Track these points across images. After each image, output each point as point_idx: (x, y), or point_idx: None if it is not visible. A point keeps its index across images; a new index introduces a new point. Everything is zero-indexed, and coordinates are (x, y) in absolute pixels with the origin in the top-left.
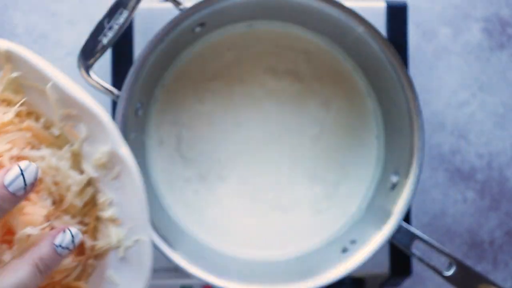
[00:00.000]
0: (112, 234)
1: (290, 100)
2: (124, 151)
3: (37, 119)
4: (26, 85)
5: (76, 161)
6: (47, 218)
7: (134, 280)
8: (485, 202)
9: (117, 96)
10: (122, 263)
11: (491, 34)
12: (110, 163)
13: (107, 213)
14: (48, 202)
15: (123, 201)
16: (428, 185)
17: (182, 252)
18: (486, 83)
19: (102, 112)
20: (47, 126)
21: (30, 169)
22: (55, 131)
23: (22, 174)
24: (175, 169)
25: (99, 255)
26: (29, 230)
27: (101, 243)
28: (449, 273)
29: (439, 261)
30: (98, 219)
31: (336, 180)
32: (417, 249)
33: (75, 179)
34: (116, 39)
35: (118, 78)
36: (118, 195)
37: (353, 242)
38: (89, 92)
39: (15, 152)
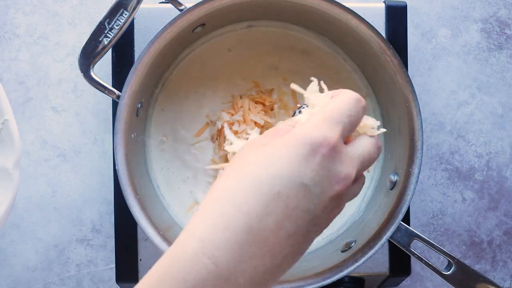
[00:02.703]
0: None
1: (290, 100)
2: None
3: None
4: None
5: None
6: None
7: (10, 153)
8: (483, 202)
9: (118, 96)
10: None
11: (490, 35)
12: None
13: None
14: None
15: None
16: (427, 185)
17: None
18: (484, 84)
19: None
20: None
21: None
22: None
23: None
24: (174, 170)
25: None
26: None
27: None
28: (448, 272)
29: (438, 260)
30: None
31: None
32: (416, 248)
33: None
34: (116, 39)
35: (118, 79)
36: None
37: (352, 241)
38: (89, 92)
39: None
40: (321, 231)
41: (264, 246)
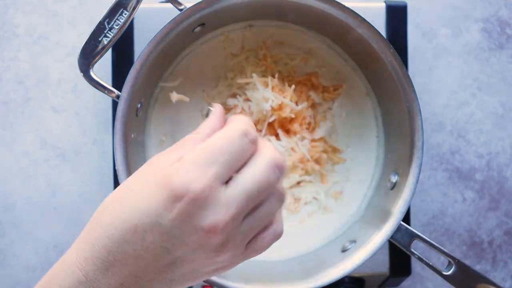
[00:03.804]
0: None
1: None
2: None
3: None
4: None
5: None
6: None
7: None
8: (484, 202)
9: (117, 96)
10: None
11: (490, 35)
12: None
13: None
14: None
15: None
16: (428, 185)
17: None
18: (485, 83)
19: None
20: None
21: None
22: None
23: None
24: None
25: None
26: None
27: None
28: (449, 272)
29: (439, 260)
30: None
31: (336, 179)
32: (416, 248)
33: None
34: (116, 39)
35: (118, 78)
36: None
37: (353, 241)
38: (89, 92)
39: None
40: (201, 275)
41: (124, 268)
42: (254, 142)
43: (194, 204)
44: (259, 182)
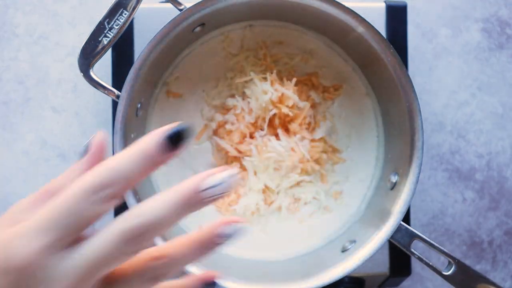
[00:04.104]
0: None
1: None
2: None
3: None
4: None
5: None
6: None
7: None
8: (484, 202)
9: (117, 96)
10: None
11: (490, 35)
12: None
13: None
14: None
15: None
16: (428, 185)
17: None
18: (485, 83)
19: None
20: None
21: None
22: None
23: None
24: (174, 169)
25: None
26: None
27: None
28: (448, 272)
29: (439, 260)
30: None
31: (336, 179)
32: (416, 248)
33: None
34: (116, 39)
35: (118, 78)
36: None
37: (352, 241)
38: (89, 92)
39: None
40: None
41: None
42: (107, 199)
43: (21, 278)
44: (101, 258)
